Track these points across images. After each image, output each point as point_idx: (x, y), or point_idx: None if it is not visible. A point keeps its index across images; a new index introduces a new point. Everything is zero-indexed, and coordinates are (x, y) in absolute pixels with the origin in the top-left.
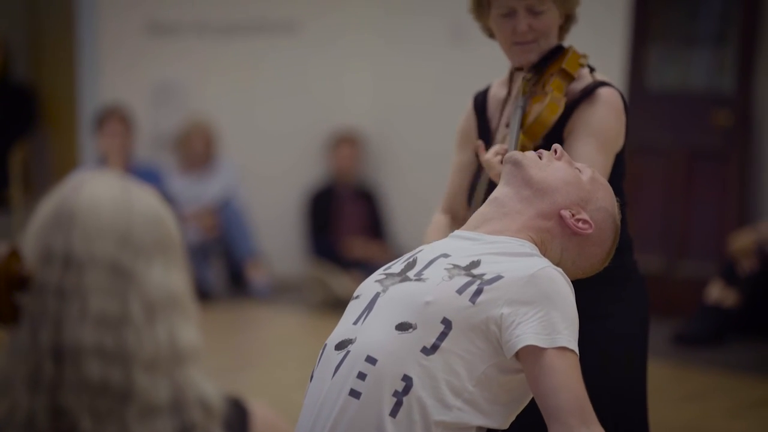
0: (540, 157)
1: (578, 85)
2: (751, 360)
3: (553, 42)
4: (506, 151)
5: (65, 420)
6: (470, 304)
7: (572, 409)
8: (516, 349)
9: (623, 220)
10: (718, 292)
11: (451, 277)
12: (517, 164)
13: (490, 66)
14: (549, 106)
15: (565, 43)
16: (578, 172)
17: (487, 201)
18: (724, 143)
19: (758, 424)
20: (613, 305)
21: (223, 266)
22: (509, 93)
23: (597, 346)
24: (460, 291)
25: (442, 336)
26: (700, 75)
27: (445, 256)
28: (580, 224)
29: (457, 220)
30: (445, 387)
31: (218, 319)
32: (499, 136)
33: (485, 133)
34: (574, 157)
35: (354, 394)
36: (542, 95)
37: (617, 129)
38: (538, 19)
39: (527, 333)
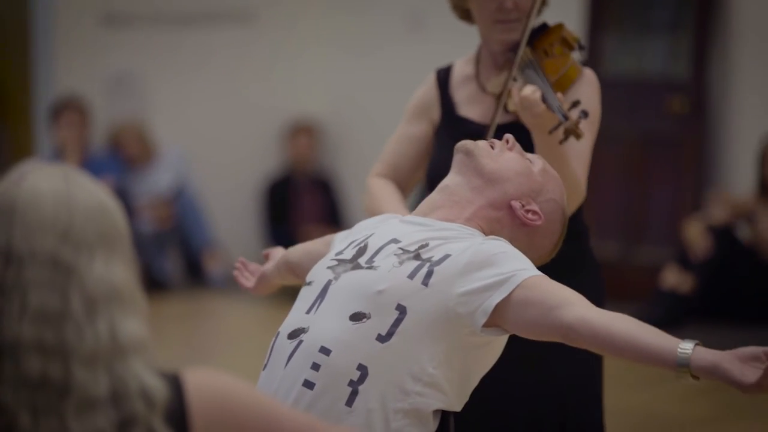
0: (492, 147)
1: None
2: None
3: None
4: (542, 95)
5: (3, 416)
6: (423, 286)
7: (576, 296)
8: (487, 315)
9: (579, 208)
10: (674, 278)
11: (401, 263)
12: (468, 153)
13: (446, 54)
14: (574, 65)
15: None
16: (529, 163)
17: (437, 189)
18: (680, 129)
19: (710, 410)
20: None
21: (180, 256)
22: (494, 68)
23: None
24: (411, 276)
25: (397, 322)
26: (655, 62)
27: (395, 241)
28: (530, 215)
29: (404, 192)
30: (403, 373)
31: (175, 309)
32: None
33: (448, 108)
34: None
35: (308, 384)
36: (554, 58)
37: (600, 110)
38: None
39: (490, 296)
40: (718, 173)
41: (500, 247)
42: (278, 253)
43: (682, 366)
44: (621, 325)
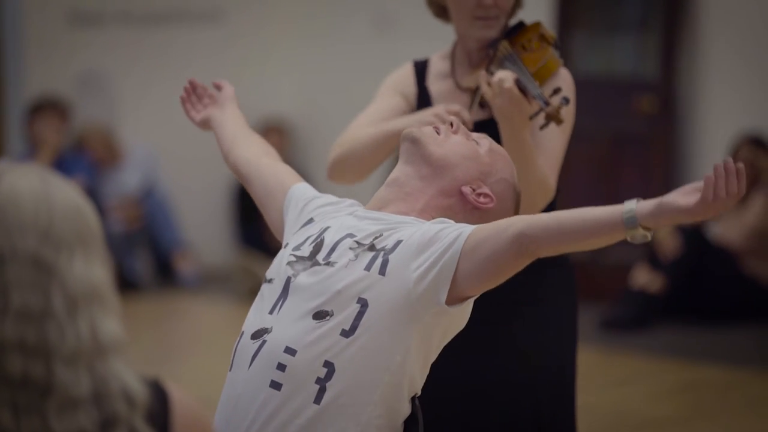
0: (438, 132)
1: None
2: (675, 344)
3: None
4: (517, 78)
5: None
6: (381, 276)
7: (517, 216)
8: (449, 281)
9: (553, 205)
10: (643, 277)
11: (357, 257)
12: (415, 141)
13: (415, 55)
14: (553, 57)
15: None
16: (476, 145)
17: (386, 183)
18: (648, 129)
19: (682, 408)
20: (544, 291)
21: (150, 256)
22: (468, 65)
23: (528, 332)
24: (367, 267)
25: (360, 315)
26: (623, 61)
27: (351, 236)
28: (481, 199)
29: (368, 173)
30: (370, 365)
31: (146, 309)
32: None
33: (425, 102)
34: (537, 135)
35: (275, 385)
36: (533, 51)
37: (574, 110)
38: None
39: (445, 262)
40: (687, 172)
41: (443, 224)
42: (229, 92)
43: (630, 221)
44: (565, 212)
